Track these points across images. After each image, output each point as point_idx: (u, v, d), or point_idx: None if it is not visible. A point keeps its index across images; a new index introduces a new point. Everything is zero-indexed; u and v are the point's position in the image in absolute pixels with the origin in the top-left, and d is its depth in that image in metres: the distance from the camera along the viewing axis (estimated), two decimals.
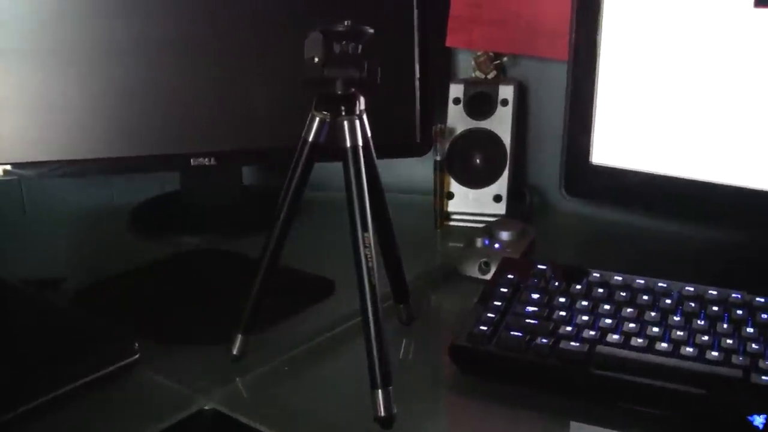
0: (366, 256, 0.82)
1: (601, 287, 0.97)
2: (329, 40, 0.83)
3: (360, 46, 0.84)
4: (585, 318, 0.92)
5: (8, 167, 1.21)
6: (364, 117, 0.86)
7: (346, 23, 0.83)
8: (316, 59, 0.84)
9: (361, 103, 0.86)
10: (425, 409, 0.89)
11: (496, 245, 1.15)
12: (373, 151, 0.88)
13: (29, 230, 1.36)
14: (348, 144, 0.84)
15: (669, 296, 0.95)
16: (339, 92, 0.85)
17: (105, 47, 1.20)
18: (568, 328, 0.91)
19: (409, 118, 1.30)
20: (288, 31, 1.15)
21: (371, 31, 0.84)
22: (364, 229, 0.83)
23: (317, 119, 0.87)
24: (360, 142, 0.85)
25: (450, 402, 0.92)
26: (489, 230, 1.17)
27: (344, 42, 0.83)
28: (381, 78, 0.86)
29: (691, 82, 1.06)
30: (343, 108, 0.85)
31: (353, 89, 0.86)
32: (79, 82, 1.20)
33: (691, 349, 0.86)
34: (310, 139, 0.88)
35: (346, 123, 0.85)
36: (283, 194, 0.89)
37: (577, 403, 0.86)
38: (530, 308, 0.94)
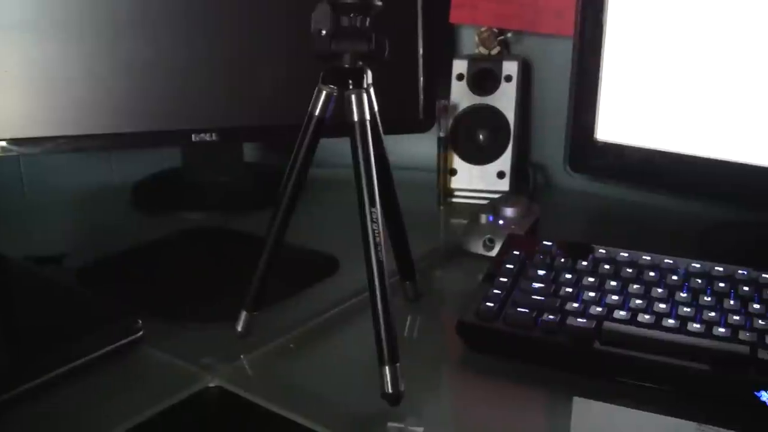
0: (373, 231, 0.81)
1: (607, 264, 0.97)
2: (337, 12, 0.82)
3: (368, 19, 0.83)
4: (591, 294, 0.92)
5: (4, 143, 1.19)
6: (372, 91, 0.86)
7: None
8: (324, 32, 0.83)
9: (369, 76, 0.85)
10: (433, 386, 0.89)
11: (501, 222, 1.14)
12: (380, 125, 0.87)
13: (29, 208, 1.35)
14: (356, 118, 0.83)
15: (675, 273, 0.95)
16: (346, 66, 0.84)
17: (107, 22, 1.19)
18: (575, 305, 0.90)
19: (413, 94, 1.30)
20: (293, 4, 1.15)
21: (380, 3, 0.83)
22: (372, 204, 0.82)
23: (324, 93, 0.86)
24: (368, 117, 0.84)
25: (457, 378, 0.91)
26: (493, 207, 1.16)
27: (352, 14, 0.82)
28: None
29: (696, 59, 1.06)
30: (350, 82, 0.84)
31: (361, 63, 0.85)
32: (80, 56, 1.19)
33: (698, 326, 0.86)
34: (317, 113, 0.86)
35: (353, 97, 0.84)
36: (289, 169, 0.88)
37: (582, 380, 0.86)
38: (536, 285, 0.94)
